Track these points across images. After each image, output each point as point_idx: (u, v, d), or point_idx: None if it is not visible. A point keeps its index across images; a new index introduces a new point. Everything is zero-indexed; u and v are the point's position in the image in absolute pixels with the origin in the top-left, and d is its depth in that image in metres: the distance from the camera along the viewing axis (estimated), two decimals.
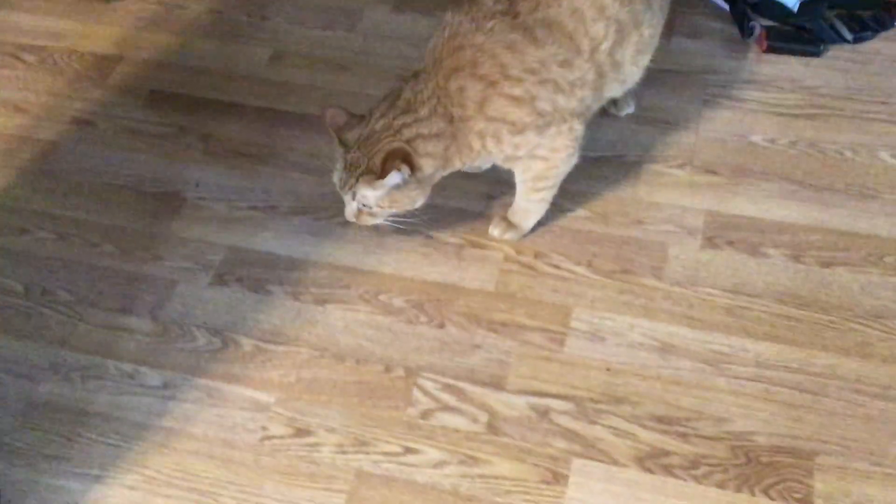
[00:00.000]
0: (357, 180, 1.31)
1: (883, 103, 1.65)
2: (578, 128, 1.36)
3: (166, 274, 1.47)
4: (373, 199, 1.32)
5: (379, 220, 1.39)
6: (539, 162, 1.38)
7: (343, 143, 1.33)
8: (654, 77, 1.52)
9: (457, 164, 1.36)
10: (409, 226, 1.41)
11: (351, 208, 1.36)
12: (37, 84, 1.78)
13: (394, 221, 1.39)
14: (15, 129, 1.70)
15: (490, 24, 1.28)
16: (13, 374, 1.35)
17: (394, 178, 1.28)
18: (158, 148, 1.66)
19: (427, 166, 1.31)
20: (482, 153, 1.35)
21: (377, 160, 1.28)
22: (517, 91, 1.28)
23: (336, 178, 1.35)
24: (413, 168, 1.29)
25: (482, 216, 1.52)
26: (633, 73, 1.43)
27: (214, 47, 1.83)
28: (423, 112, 1.29)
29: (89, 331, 1.40)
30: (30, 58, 1.83)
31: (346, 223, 1.46)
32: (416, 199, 1.35)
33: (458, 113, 1.30)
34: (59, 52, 1.83)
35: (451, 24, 1.31)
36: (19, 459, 1.26)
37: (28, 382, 1.34)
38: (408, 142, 1.29)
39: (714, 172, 1.56)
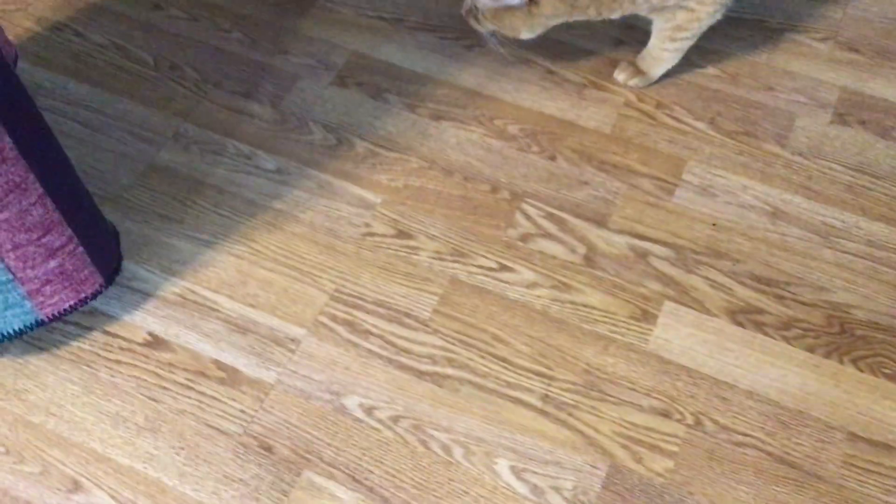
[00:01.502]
0: None
1: None
2: None
3: (290, 68, 1.48)
4: (482, 4, 1.33)
5: (482, 30, 1.39)
6: (684, 12, 1.33)
7: None
8: None
9: (591, 14, 1.32)
10: (533, 58, 1.39)
11: (466, 3, 1.37)
12: None
13: (495, 42, 1.39)
14: None
15: None
16: (137, 137, 1.40)
17: None
18: None
19: (547, 4, 1.29)
20: (625, 4, 1.31)
21: None
22: None
23: None
24: None
25: (609, 59, 1.49)
26: None
27: None
28: None
29: (212, 109, 1.43)
30: None
31: (471, 47, 1.45)
32: (520, 29, 1.34)
33: None
34: None
35: None
36: (136, 214, 1.32)
37: (150, 146, 1.39)
38: None
39: (857, 51, 1.49)
